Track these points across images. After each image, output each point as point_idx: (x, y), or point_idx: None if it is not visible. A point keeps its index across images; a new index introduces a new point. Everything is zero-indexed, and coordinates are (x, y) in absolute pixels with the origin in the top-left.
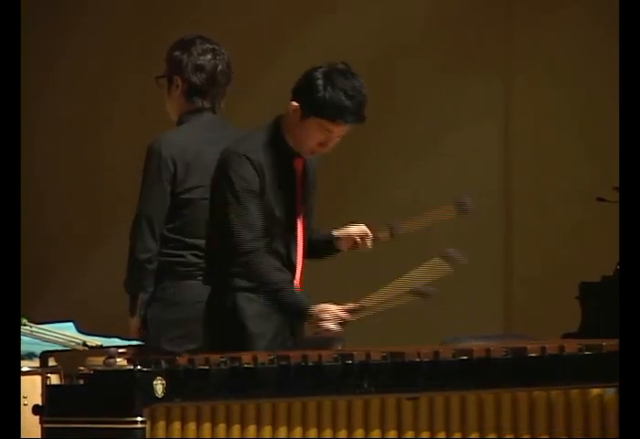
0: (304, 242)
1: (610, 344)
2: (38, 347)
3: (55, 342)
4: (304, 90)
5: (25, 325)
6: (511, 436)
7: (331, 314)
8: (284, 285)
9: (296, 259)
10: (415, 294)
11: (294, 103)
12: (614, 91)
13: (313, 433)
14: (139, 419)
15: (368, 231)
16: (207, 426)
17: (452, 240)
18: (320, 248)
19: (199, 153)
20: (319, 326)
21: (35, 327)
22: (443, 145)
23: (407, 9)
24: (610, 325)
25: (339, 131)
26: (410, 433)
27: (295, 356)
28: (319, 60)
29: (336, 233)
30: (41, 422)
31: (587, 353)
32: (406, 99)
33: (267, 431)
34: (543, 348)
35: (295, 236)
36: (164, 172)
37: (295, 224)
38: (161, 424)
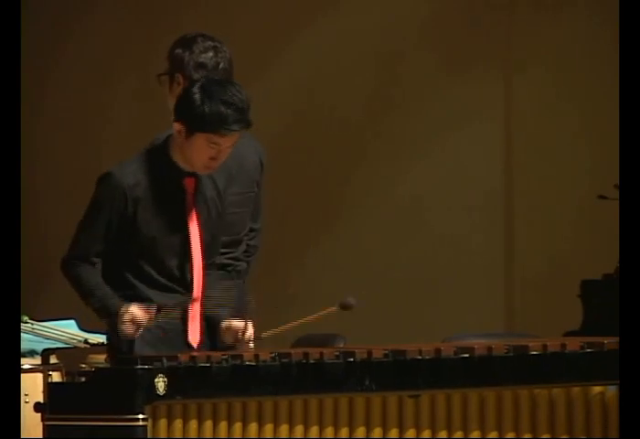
0: (204, 261)
1: (611, 342)
2: (40, 345)
3: (56, 340)
4: (184, 107)
5: (26, 322)
6: (512, 434)
7: (131, 316)
8: (96, 292)
9: (192, 278)
10: (343, 307)
11: (177, 124)
12: (614, 90)
13: (314, 430)
14: (140, 416)
15: (250, 329)
16: (208, 424)
17: (452, 239)
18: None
19: None
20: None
21: (36, 325)
22: (444, 145)
23: (407, 10)
24: (611, 323)
25: (227, 141)
26: (411, 431)
27: (297, 353)
28: (319, 60)
29: (223, 324)
30: (43, 419)
31: (588, 351)
32: (406, 99)
33: (268, 429)
34: (545, 346)
35: (189, 255)
36: None
37: (188, 243)
38: (162, 422)
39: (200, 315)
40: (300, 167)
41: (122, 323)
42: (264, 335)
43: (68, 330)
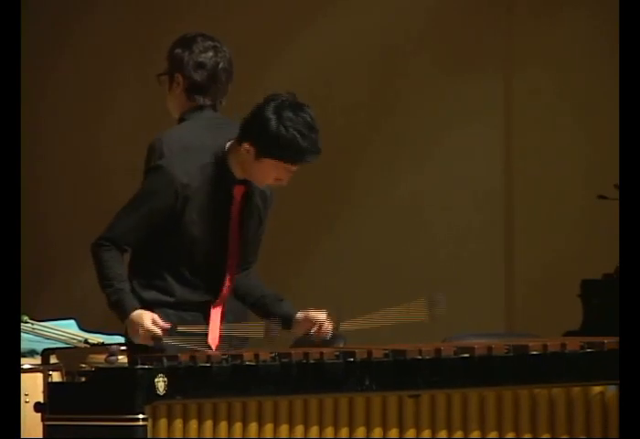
0: (233, 268)
1: (611, 342)
2: (40, 345)
3: (57, 340)
4: (257, 131)
5: (26, 322)
6: (512, 434)
7: (141, 325)
8: (115, 283)
9: (222, 283)
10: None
11: (246, 145)
12: (614, 90)
13: (314, 430)
14: (140, 416)
15: (327, 321)
16: (208, 424)
17: (452, 239)
18: (272, 315)
19: None
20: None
21: (37, 325)
22: (444, 145)
23: (407, 9)
24: (611, 323)
25: (296, 167)
26: (411, 431)
27: (297, 353)
28: (319, 60)
29: (297, 315)
30: (43, 419)
31: (588, 351)
32: (406, 99)
33: (269, 428)
34: (545, 346)
35: (225, 261)
36: None
37: (225, 250)
38: (162, 422)
39: (221, 319)
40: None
41: (132, 331)
42: (343, 327)
43: (68, 330)
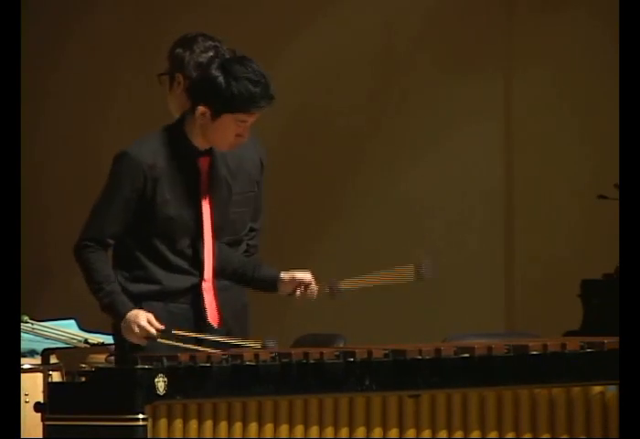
0: (214, 241)
1: (611, 342)
2: (40, 345)
3: (57, 339)
4: (208, 90)
5: (26, 322)
6: (512, 434)
7: (137, 325)
8: (105, 286)
9: (205, 258)
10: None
11: (201, 109)
12: (614, 90)
13: (314, 430)
14: (140, 416)
15: (313, 282)
16: (208, 424)
17: (453, 239)
18: (259, 282)
19: None
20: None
21: (36, 325)
22: (444, 145)
23: (407, 10)
24: (611, 322)
25: (253, 117)
26: (411, 431)
27: (297, 353)
28: (319, 60)
29: (282, 275)
30: (43, 419)
31: (588, 351)
32: (406, 99)
33: (269, 428)
34: (545, 346)
35: (202, 235)
36: None
37: (201, 224)
38: (162, 422)
39: (214, 294)
40: (299, 167)
41: (129, 331)
42: (344, 287)
43: (68, 330)
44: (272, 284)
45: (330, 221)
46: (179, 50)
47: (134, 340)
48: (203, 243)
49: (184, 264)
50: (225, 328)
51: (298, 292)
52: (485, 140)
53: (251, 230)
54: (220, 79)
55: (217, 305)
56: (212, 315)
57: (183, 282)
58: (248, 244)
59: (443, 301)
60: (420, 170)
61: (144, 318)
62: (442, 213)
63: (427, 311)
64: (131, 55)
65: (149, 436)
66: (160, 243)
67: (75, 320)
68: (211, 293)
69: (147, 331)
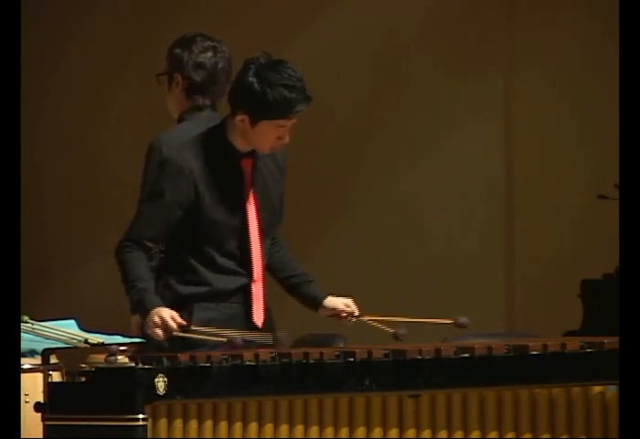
0: (261, 241)
1: (611, 342)
2: (40, 345)
3: (57, 339)
4: (245, 97)
5: (26, 322)
6: (512, 434)
7: (162, 320)
8: (138, 284)
9: (253, 259)
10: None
11: (239, 116)
12: (614, 90)
13: (314, 430)
14: (140, 416)
15: (356, 311)
16: (208, 424)
17: (453, 239)
18: (299, 295)
19: None
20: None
21: (36, 325)
22: (444, 145)
23: (407, 10)
24: (611, 322)
25: (293, 120)
26: (411, 431)
27: (297, 353)
28: (319, 61)
29: (325, 302)
30: (43, 419)
31: (588, 351)
32: (406, 99)
33: (269, 429)
34: (545, 346)
35: (248, 236)
36: None
37: (247, 225)
38: (162, 422)
39: (263, 295)
40: (300, 167)
41: (151, 324)
42: (367, 319)
43: (68, 330)
44: (313, 305)
45: (330, 221)
46: (178, 50)
47: (156, 336)
48: (250, 244)
49: (232, 265)
50: (265, 328)
51: (341, 317)
52: (485, 140)
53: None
54: (256, 86)
55: (264, 305)
56: (258, 315)
57: (233, 282)
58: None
59: (443, 301)
60: (420, 170)
61: (167, 313)
62: (442, 213)
63: (427, 311)
64: (131, 55)
65: (149, 436)
66: (208, 247)
67: (75, 320)
68: (260, 293)
69: (169, 325)
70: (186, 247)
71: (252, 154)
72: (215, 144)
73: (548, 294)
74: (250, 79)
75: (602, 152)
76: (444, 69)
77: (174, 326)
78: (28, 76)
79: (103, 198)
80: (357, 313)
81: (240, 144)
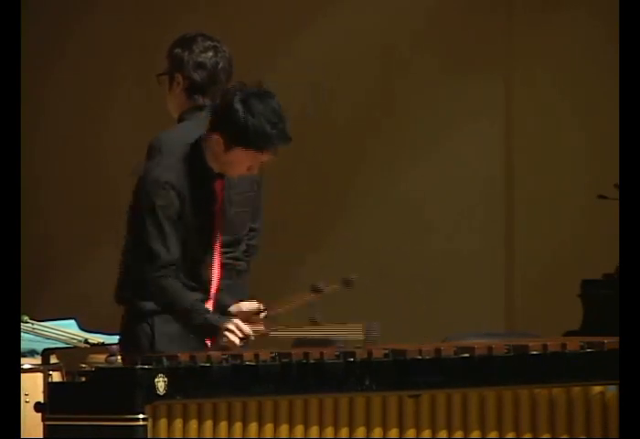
0: (220, 262)
1: (611, 342)
2: (40, 345)
3: (57, 339)
4: (225, 120)
5: (27, 322)
6: (512, 434)
7: (239, 329)
8: (195, 306)
9: (213, 279)
10: (314, 290)
11: (215, 136)
12: (614, 90)
13: (314, 430)
14: (140, 416)
15: (261, 307)
16: (208, 424)
17: (453, 239)
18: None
19: None
20: (225, 339)
21: (37, 325)
22: (444, 145)
23: (407, 9)
24: (611, 322)
25: (267, 156)
26: (411, 431)
27: (297, 353)
28: (319, 60)
29: (231, 309)
30: (43, 419)
31: (588, 351)
32: (407, 99)
33: (269, 428)
34: (545, 346)
35: (212, 256)
36: None
37: (214, 245)
38: (162, 422)
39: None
40: (300, 167)
41: (227, 335)
42: (272, 313)
43: (68, 330)
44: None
45: (330, 221)
46: (178, 50)
47: (232, 345)
48: (212, 264)
49: (192, 284)
50: None
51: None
52: (485, 140)
53: (251, 229)
54: (240, 112)
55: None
56: None
57: (192, 297)
58: (247, 244)
59: (443, 301)
60: (420, 170)
61: (236, 320)
62: (442, 213)
63: (427, 311)
64: (131, 55)
65: (149, 436)
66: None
67: (75, 320)
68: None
69: (244, 330)
70: (150, 264)
71: (223, 175)
72: (194, 163)
73: (548, 294)
74: (236, 104)
75: (602, 152)
76: (444, 70)
77: (249, 331)
78: (28, 76)
79: (103, 198)
80: (262, 310)
81: (214, 164)
